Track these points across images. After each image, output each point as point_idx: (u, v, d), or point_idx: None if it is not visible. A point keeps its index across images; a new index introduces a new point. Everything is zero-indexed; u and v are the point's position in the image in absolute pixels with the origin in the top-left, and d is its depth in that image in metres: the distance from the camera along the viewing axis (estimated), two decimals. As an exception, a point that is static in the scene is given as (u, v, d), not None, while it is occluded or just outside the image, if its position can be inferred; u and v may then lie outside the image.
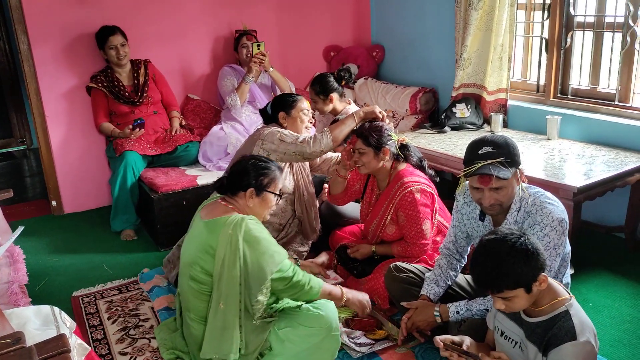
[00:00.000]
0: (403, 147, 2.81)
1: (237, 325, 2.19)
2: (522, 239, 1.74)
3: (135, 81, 4.05)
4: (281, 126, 3.02)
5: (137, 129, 3.87)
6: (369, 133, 2.73)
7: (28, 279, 2.66)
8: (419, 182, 2.73)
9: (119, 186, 3.77)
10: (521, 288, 1.73)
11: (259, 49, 4.13)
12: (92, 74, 4.02)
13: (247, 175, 2.27)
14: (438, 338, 1.94)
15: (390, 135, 2.74)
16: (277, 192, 2.35)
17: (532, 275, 1.73)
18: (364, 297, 2.52)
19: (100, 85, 3.96)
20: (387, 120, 2.89)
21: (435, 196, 2.79)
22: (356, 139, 2.77)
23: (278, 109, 3.05)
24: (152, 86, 4.12)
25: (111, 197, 3.87)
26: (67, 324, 1.90)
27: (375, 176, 2.89)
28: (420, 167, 2.85)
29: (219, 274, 2.16)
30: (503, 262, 1.72)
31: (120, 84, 3.99)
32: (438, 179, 2.90)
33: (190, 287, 2.25)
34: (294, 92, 4.33)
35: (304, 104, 3.09)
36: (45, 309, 1.95)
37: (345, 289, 2.47)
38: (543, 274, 1.75)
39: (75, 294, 3.11)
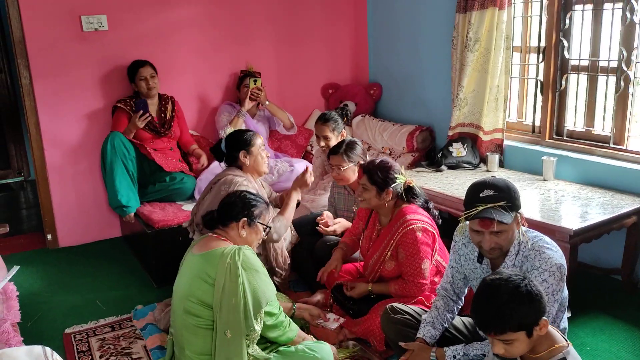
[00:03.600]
0: (409, 190, 2.79)
1: (244, 353, 2.18)
2: (526, 281, 1.75)
3: (163, 114, 4.13)
4: (242, 166, 3.06)
5: (141, 112, 3.89)
6: (375, 171, 2.74)
7: (20, 316, 2.64)
8: (422, 220, 2.73)
9: (109, 153, 3.79)
10: (523, 331, 1.72)
11: (255, 84, 4.20)
12: (120, 98, 4.09)
13: (239, 206, 2.37)
14: None
15: (396, 177, 2.74)
16: (267, 224, 2.45)
17: (535, 318, 1.73)
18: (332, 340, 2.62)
19: (128, 108, 4.02)
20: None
21: (437, 236, 2.79)
22: (362, 173, 2.79)
23: (237, 149, 3.05)
24: (175, 123, 4.20)
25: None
26: (58, 365, 1.87)
27: (377, 211, 2.89)
28: (426, 209, 2.85)
29: (219, 302, 2.17)
30: (507, 303, 1.71)
31: (148, 112, 4.06)
32: (440, 221, 2.89)
33: (185, 322, 2.23)
34: (293, 123, 4.41)
35: (260, 140, 3.12)
36: (37, 349, 1.92)
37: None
38: (544, 318, 1.74)
39: (67, 330, 3.07)
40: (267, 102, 4.32)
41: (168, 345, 2.46)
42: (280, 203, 3.27)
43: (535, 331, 1.73)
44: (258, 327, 2.20)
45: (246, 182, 3.00)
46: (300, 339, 2.41)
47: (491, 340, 1.80)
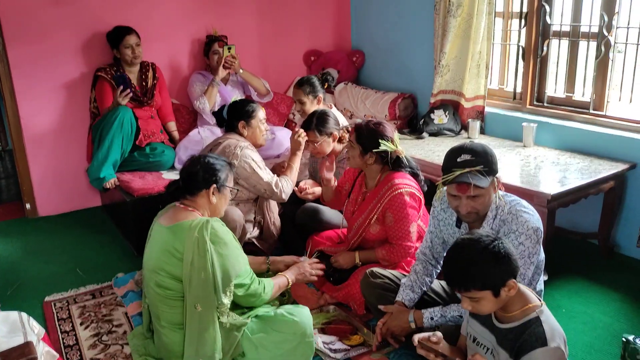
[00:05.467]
0: (397, 159, 2.78)
1: (216, 325, 2.18)
2: (496, 242, 1.76)
3: (144, 82, 4.03)
4: (240, 134, 3.15)
5: (121, 88, 3.78)
6: (364, 132, 2.73)
7: (-2, 283, 2.62)
8: (410, 185, 2.73)
9: (114, 128, 3.70)
10: (489, 290, 1.74)
11: (229, 52, 4.12)
12: (99, 67, 3.98)
13: (206, 173, 2.30)
14: (416, 336, 1.95)
15: (381, 144, 2.70)
16: (232, 186, 2.43)
17: (501, 279, 1.74)
18: (300, 267, 2.60)
19: (109, 77, 3.91)
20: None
21: (422, 203, 2.80)
22: (354, 130, 2.78)
23: (237, 118, 3.14)
24: (157, 91, 4.11)
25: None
26: (35, 331, 1.87)
27: (365, 173, 2.89)
28: (414, 175, 2.85)
29: (189, 277, 2.15)
30: (474, 262, 1.73)
31: (129, 80, 3.95)
32: (426, 188, 2.89)
33: (157, 294, 2.22)
34: (268, 89, 4.37)
35: (262, 113, 3.22)
36: (13, 315, 1.91)
37: (288, 273, 2.54)
38: (513, 280, 1.76)
39: (47, 299, 3.06)
40: (240, 71, 4.24)
41: (144, 313, 2.45)
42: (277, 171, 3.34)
43: (502, 292, 1.75)
44: (226, 301, 2.18)
45: (250, 147, 3.10)
46: (277, 288, 2.43)
47: (460, 296, 1.82)
